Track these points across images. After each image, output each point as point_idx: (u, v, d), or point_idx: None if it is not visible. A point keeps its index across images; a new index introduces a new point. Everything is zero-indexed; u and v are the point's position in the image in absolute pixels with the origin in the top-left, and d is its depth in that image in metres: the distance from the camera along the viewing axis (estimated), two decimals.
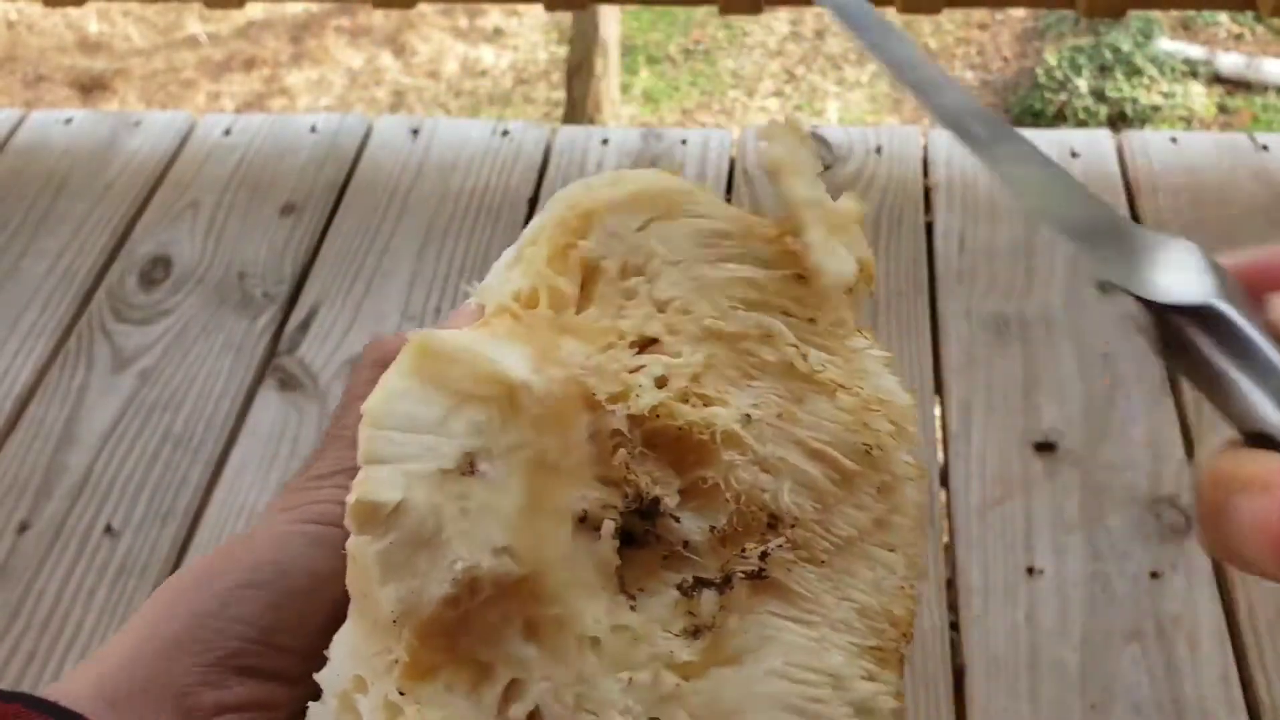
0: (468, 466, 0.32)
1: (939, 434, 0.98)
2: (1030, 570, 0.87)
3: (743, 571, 0.34)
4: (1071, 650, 0.83)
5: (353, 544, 0.31)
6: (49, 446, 1.00)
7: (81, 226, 1.19)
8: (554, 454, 0.33)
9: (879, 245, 1.11)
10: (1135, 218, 1.12)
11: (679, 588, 0.34)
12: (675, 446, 0.35)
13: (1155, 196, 1.14)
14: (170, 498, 0.96)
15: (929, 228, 1.13)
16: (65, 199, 1.21)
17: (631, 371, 0.35)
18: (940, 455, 0.96)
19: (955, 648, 0.84)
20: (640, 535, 0.34)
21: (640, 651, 0.33)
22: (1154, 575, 0.87)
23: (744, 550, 0.34)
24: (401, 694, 0.31)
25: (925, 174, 1.19)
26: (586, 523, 0.33)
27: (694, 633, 0.34)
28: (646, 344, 0.36)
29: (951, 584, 0.87)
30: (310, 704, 0.32)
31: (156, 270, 1.14)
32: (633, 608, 0.34)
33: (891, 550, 0.36)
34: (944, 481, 0.94)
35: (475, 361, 0.33)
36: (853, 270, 0.37)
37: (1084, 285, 1.07)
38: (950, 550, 0.89)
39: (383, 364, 0.36)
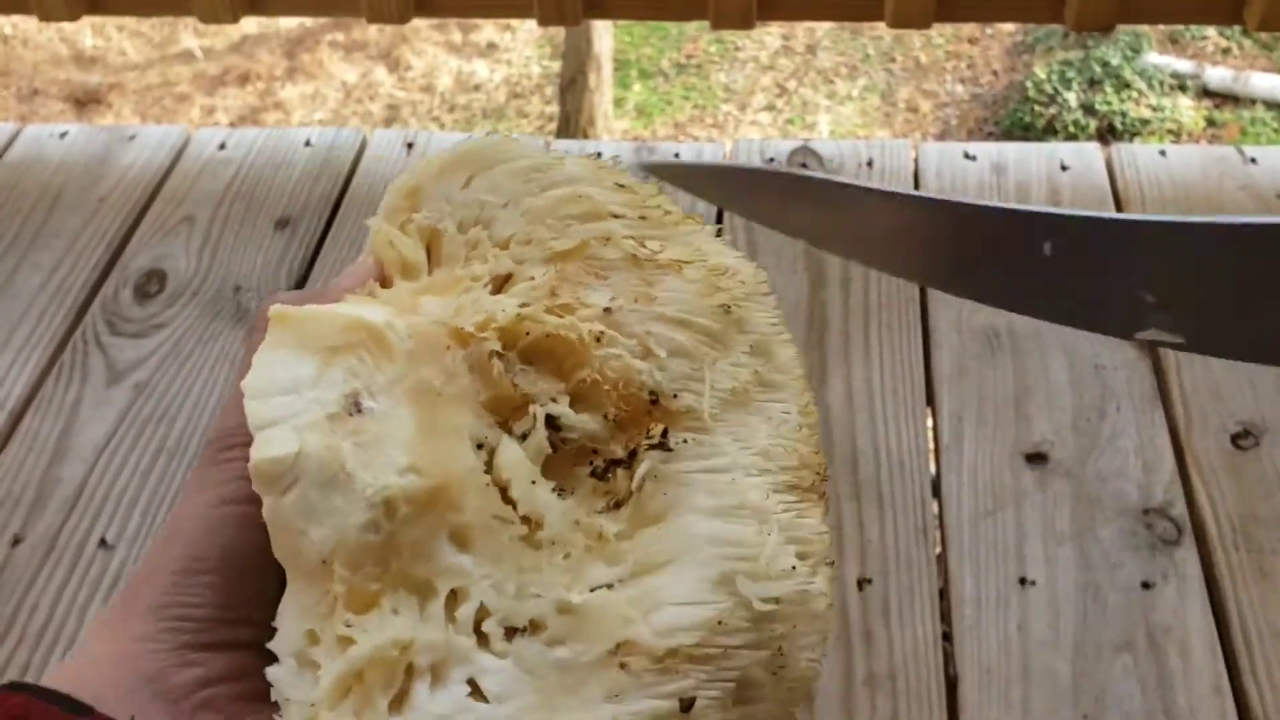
0: (353, 407, 0.34)
1: (930, 445, 0.98)
2: (1022, 581, 0.88)
3: (647, 444, 0.36)
4: (1063, 661, 0.83)
5: (267, 509, 0.33)
6: (43, 460, 1.00)
7: (76, 240, 1.19)
8: (436, 382, 0.35)
9: None
10: None
11: (592, 474, 0.36)
12: (551, 358, 0.37)
13: (1144, 209, 1.15)
14: (165, 511, 0.96)
15: None
16: (60, 213, 1.22)
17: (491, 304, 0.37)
18: (932, 466, 0.97)
19: (947, 658, 0.84)
20: (553, 444, 0.36)
21: (570, 533, 0.34)
22: (1146, 586, 0.87)
23: (648, 430, 0.36)
24: (349, 625, 0.32)
25: (916, 186, 1.19)
26: (484, 448, 0.35)
27: (616, 505, 0.35)
28: (501, 282, 0.38)
29: (944, 594, 0.88)
30: (267, 670, 0.33)
31: (151, 284, 1.15)
32: (561, 498, 0.35)
33: (781, 402, 0.38)
34: (935, 492, 0.95)
35: (335, 317, 0.35)
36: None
37: None
38: (942, 561, 0.90)
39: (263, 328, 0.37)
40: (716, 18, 1.27)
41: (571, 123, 3.24)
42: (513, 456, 0.35)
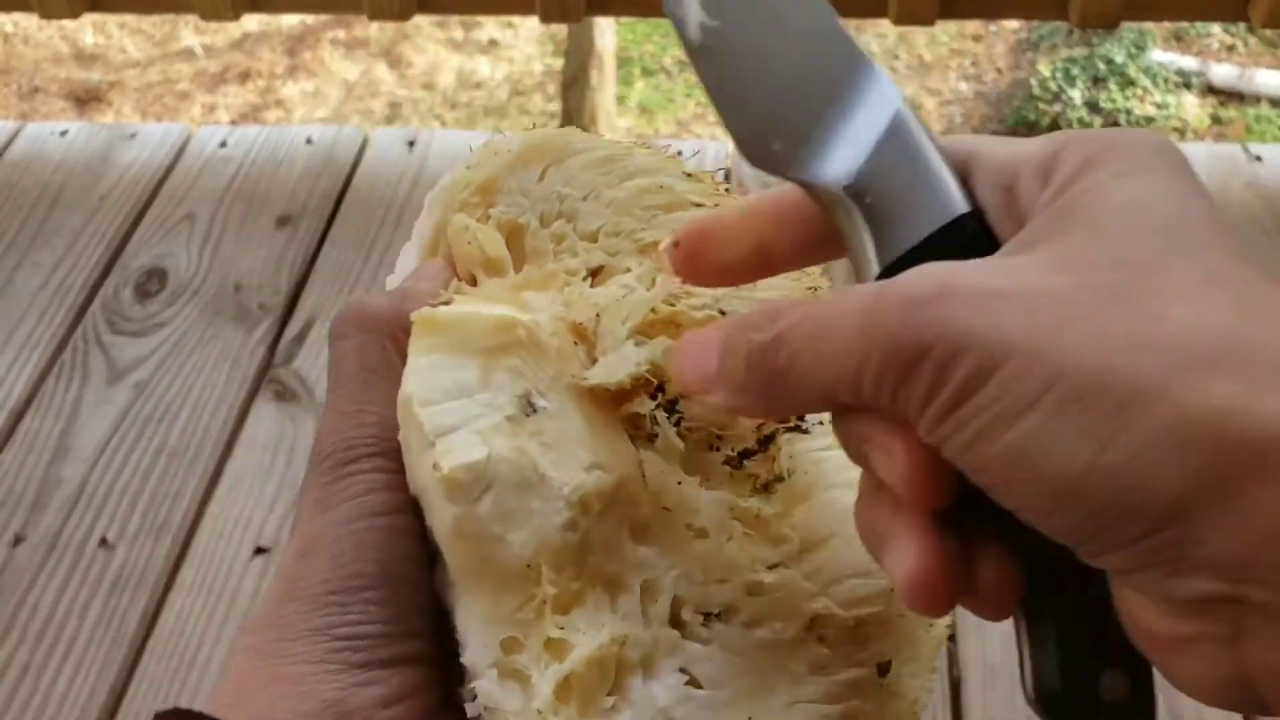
0: (528, 407, 0.33)
1: None
2: None
3: (783, 428, 0.37)
4: None
5: (456, 519, 0.32)
6: (44, 459, 1.00)
7: (77, 239, 1.19)
8: (580, 377, 0.35)
9: None
10: None
11: (726, 464, 0.36)
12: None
13: None
14: (165, 510, 0.96)
15: None
16: (60, 211, 1.21)
17: (592, 299, 0.37)
18: None
19: (952, 658, 0.84)
20: (681, 436, 0.36)
21: (727, 520, 0.35)
22: None
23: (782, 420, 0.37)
24: (560, 628, 0.32)
25: None
26: (639, 431, 0.35)
27: (764, 489, 0.36)
28: (594, 274, 0.38)
29: None
30: (474, 685, 0.32)
31: (152, 282, 1.14)
32: (707, 488, 0.36)
33: None
34: None
35: (484, 318, 0.34)
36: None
37: None
38: None
39: (364, 326, 0.36)
40: None
41: (574, 120, 3.24)
42: (653, 463, 0.35)
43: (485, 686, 0.32)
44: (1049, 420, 0.24)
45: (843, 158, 0.30)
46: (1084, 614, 0.27)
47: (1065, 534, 0.25)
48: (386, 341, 0.36)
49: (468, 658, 0.33)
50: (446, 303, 0.35)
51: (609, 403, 0.35)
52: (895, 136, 0.30)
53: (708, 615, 0.34)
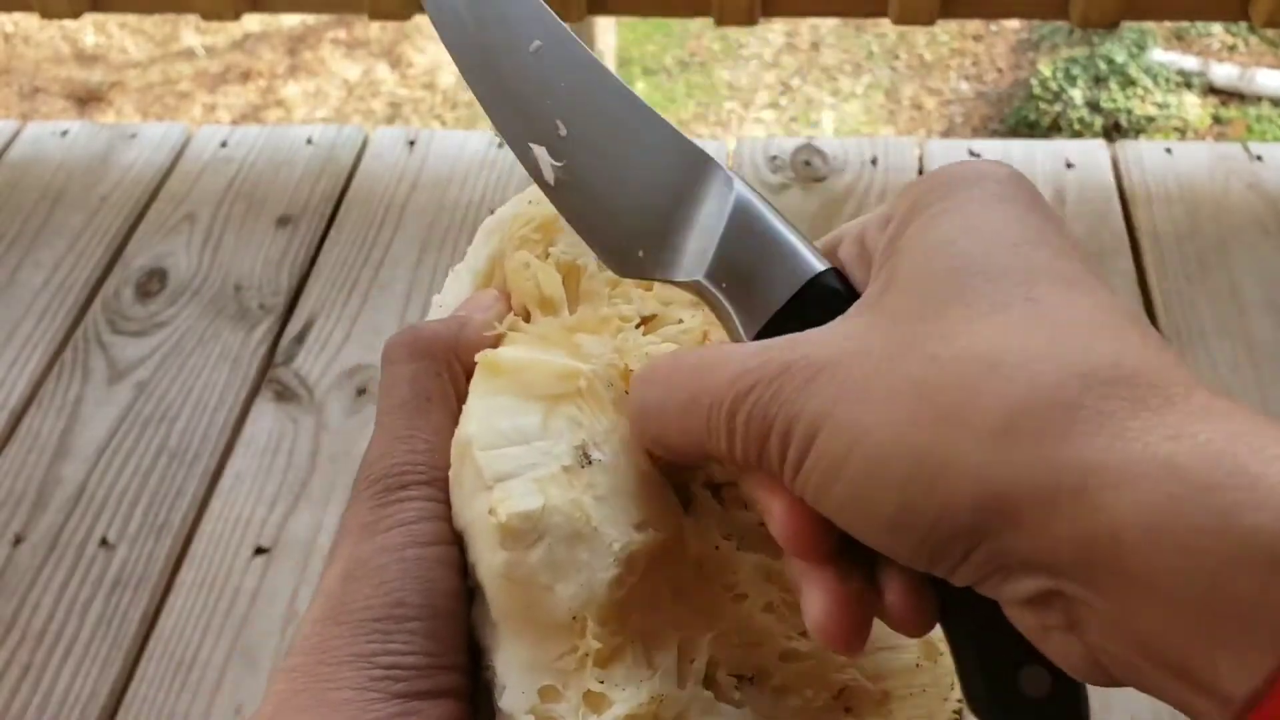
0: (584, 458, 0.34)
1: None
2: None
3: None
4: None
5: (506, 564, 0.32)
6: (44, 459, 1.00)
7: (77, 239, 1.19)
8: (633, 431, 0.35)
9: None
10: (1130, 228, 1.13)
11: (761, 524, 0.37)
12: None
13: (1150, 207, 1.14)
14: (166, 510, 0.96)
15: None
16: (61, 211, 1.21)
17: (646, 346, 0.37)
18: None
19: None
20: (719, 500, 0.37)
21: (764, 584, 0.35)
22: None
23: None
24: (601, 682, 0.32)
25: None
26: (681, 488, 0.36)
27: None
28: (646, 321, 0.38)
29: None
30: None
31: (152, 282, 1.14)
32: (739, 548, 0.36)
33: None
34: None
35: (544, 365, 0.35)
36: None
37: None
38: None
39: (417, 353, 0.37)
40: (720, 14, 1.27)
41: None
42: (694, 524, 0.35)
43: None
44: (858, 479, 0.27)
45: (696, 251, 0.34)
46: (991, 620, 0.28)
47: (912, 561, 0.28)
48: (442, 369, 0.37)
49: (505, 701, 0.33)
50: (500, 335, 0.36)
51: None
52: (739, 220, 0.33)
53: (741, 678, 0.34)
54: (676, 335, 0.37)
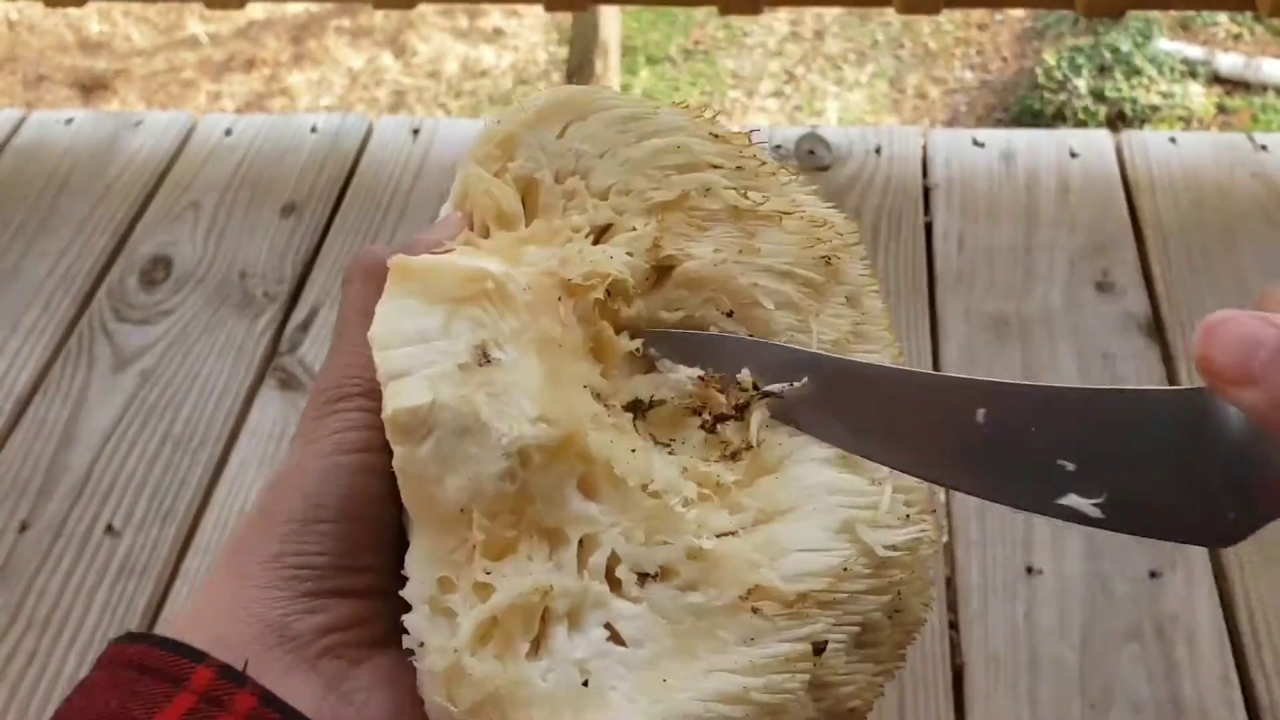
0: (482, 357, 0.34)
1: None
2: (1029, 569, 0.87)
3: (759, 396, 0.37)
4: (1071, 650, 0.83)
5: (400, 458, 0.33)
6: (50, 446, 1.00)
7: (82, 227, 1.19)
8: (554, 333, 0.36)
9: (878, 246, 1.11)
10: (1134, 217, 1.13)
11: (701, 428, 0.37)
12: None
13: (1154, 196, 1.14)
14: (171, 497, 0.96)
15: (928, 228, 1.13)
16: (66, 199, 1.22)
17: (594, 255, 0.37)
18: None
19: (954, 647, 0.84)
20: (648, 403, 0.37)
21: (681, 482, 0.36)
22: (1153, 575, 0.87)
23: (754, 383, 0.37)
24: (487, 573, 0.33)
25: (925, 174, 1.19)
26: (600, 397, 0.36)
27: (732, 456, 0.37)
28: (601, 232, 0.39)
29: (950, 583, 0.88)
30: (404, 618, 0.34)
31: (157, 270, 1.15)
32: (670, 452, 0.37)
33: (875, 352, 0.39)
34: None
35: (456, 268, 0.35)
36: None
37: (1083, 285, 1.07)
38: (949, 549, 0.89)
39: (371, 274, 0.38)
40: (724, 3, 1.26)
41: None
42: (610, 428, 0.36)
43: (415, 620, 0.34)
44: None
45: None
46: None
47: None
48: None
49: (407, 592, 0.34)
50: (447, 252, 0.36)
51: (599, 355, 0.36)
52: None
53: (644, 575, 0.34)
54: (628, 242, 0.37)
